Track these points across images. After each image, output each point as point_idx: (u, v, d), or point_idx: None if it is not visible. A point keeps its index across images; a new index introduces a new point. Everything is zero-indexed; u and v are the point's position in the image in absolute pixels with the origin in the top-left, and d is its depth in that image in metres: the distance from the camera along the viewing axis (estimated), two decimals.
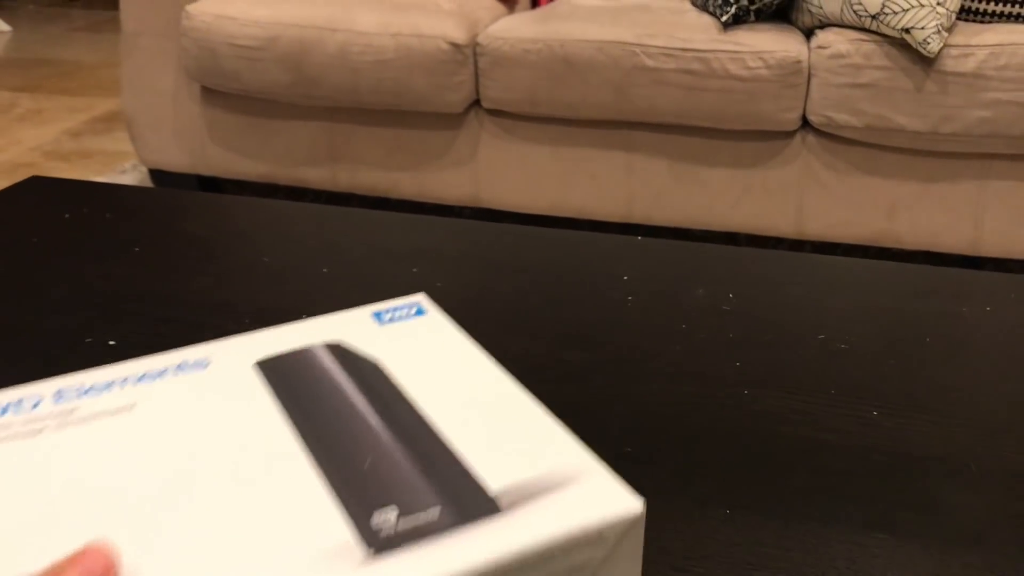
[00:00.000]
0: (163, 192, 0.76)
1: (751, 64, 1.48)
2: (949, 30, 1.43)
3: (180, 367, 0.33)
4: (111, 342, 0.53)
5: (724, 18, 1.55)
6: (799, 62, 1.49)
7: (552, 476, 0.31)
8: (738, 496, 0.42)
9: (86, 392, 0.32)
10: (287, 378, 0.34)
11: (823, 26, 1.56)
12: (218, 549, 0.28)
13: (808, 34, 1.60)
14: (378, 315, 0.37)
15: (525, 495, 0.30)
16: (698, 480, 0.43)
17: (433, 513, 0.29)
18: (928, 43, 1.39)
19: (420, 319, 0.37)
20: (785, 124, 1.54)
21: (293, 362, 0.34)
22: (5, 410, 0.31)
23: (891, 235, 1.59)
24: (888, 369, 0.52)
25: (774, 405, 0.48)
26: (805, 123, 1.57)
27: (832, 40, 1.49)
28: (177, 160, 1.91)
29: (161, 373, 0.33)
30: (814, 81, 1.51)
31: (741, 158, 1.59)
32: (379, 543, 0.29)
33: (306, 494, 0.30)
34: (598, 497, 0.29)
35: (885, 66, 1.46)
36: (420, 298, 0.38)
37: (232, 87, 1.74)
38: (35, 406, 0.31)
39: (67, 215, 0.70)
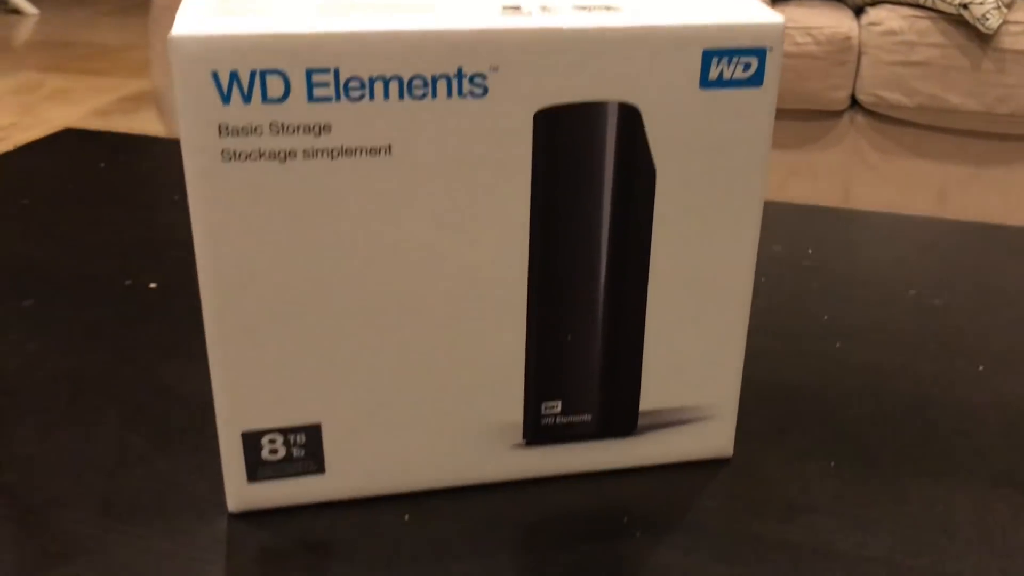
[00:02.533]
0: None
1: (799, 40, 1.43)
2: (1009, 6, 1.38)
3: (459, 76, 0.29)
4: (152, 284, 0.50)
5: None
6: (849, 39, 1.44)
7: (693, 411, 0.36)
8: (841, 449, 0.38)
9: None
10: (556, 149, 0.30)
11: (875, 3, 1.51)
12: (404, 387, 0.33)
13: (858, 11, 1.55)
14: (706, 65, 0.30)
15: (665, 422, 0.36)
16: (796, 432, 0.39)
17: (586, 418, 0.35)
18: (987, 19, 1.34)
19: (753, 92, 0.31)
20: (834, 103, 1.49)
21: (572, 123, 0.30)
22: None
23: None
24: (988, 325, 0.48)
25: (870, 359, 0.44)
26: (854, 102, 1.52)
27: (884, 16, 1.44)
28: None
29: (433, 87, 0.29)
30: (864, 59, 1.47)
31: (787, 138, 1.54)
32: (536, 435, 0.35)
33: (502, 357, 0.33)
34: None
35: (940, 43, 1.41)
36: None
37: None
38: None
39: (102, 164, 0.67)
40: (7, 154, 0.68)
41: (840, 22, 1.45)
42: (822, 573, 0.32)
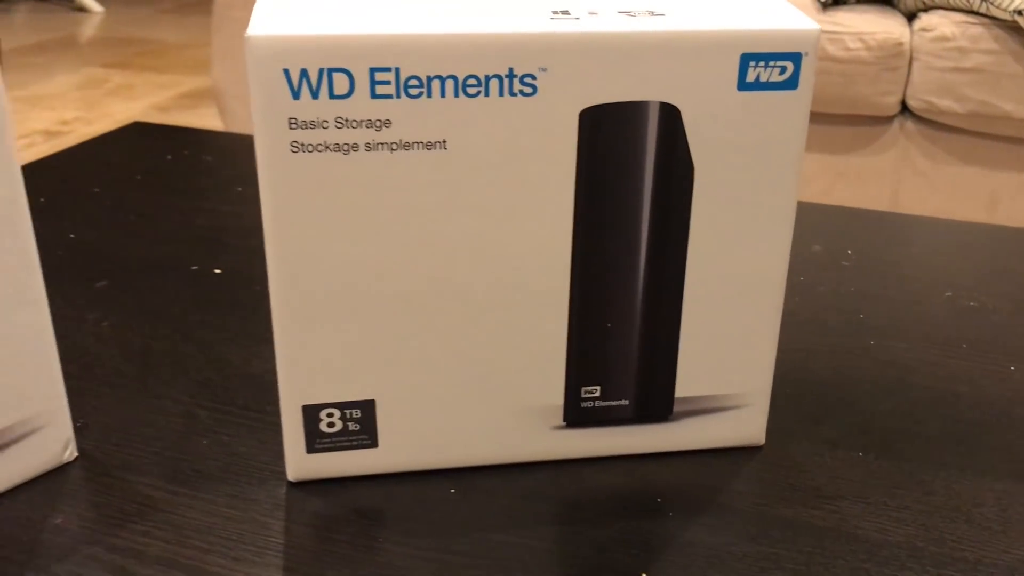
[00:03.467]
0: None
1: (851, 46, 1.43)
2: None
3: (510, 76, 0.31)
4: (216, 270, 0.52)
5: None
6: (901, 44, 1.44)
7: (727, 400, 0.38)
8: (870, 440, 0.39)
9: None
10: (600, 146, 0.32)
11: (927, 8, 1.51)
12: (453, 368, 0.35)
13: (910, 17, 1.55)
14: (744, 69, 0.32)
15: (699, 409, 0.38)
16: (827, 424, 0.40)
17: (624, 403, 0.37)
18: None
19: (789, 95, 0.32)
20: (883, 109, 1.49)
21: (615, 121, 0.32)
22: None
23: None
24: (1022, 328, 0.49)
25: (903, 356, 0.46)
26: (904, 108, 1.52)
27: (936, 23, 1.44)
28: None
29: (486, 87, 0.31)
30: (916, 65, 1.46)
31: (836, 143, 1.54)
32: (576, 417, 0.37)
33: (545, 343, 0.35)
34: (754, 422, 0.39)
35: (992, 50, 1.40)
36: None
37: None
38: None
39: (169, 156, 0.70)
40: (80, 145, 0.72)
41: (892, 28, 1.45)
42: (846, 555, 0.33)
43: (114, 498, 0.35)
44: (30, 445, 0.35)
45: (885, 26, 1.47)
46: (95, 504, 0.35)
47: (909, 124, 1.53)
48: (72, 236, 0.56)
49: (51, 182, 0.65)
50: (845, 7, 1.53)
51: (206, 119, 2.50)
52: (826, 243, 0.58)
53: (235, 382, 0.42)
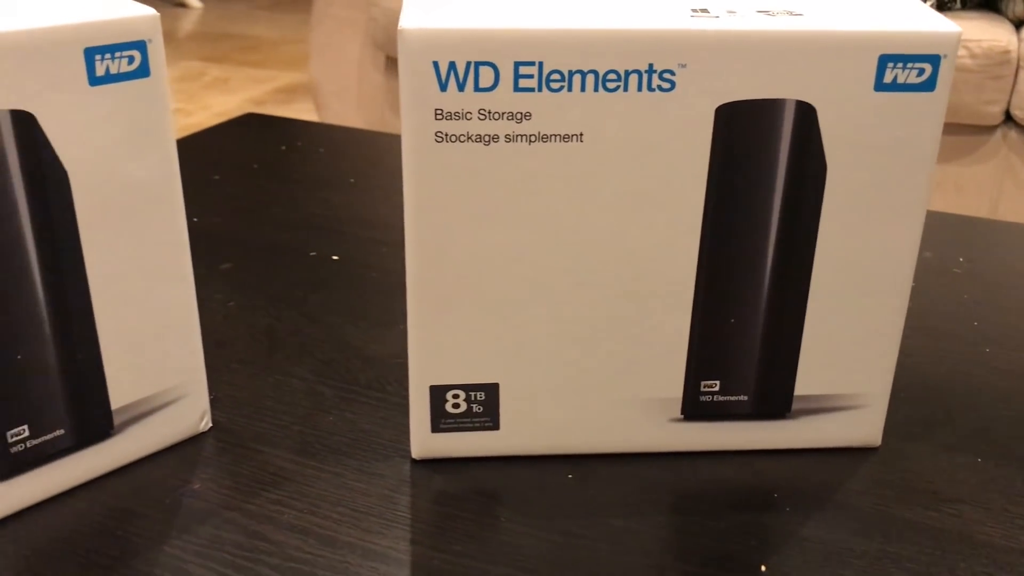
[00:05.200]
0: (373, 134, 0.78)
1: None
2: None
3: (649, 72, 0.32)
4: (334, 257, 0.54)
5: (928, 3, 1.48)
6: (1007, 52, 1.40)
7: (845, 399, 0.38)
8: (987, 447, 0.39)
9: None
10: (734, 142, 0.33)
11: None
12: (576, 357, 0.36)
13: (1019, 25, 1.50)
14: (882, 70, 0.32)
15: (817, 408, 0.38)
16: (943, 428, 0.40)
17: (742, 398, 0.37)
18: None
19: (926, 97, 0.33)
20: (986, 118, 1.45)
21: (751, 118, 0.32)
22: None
23: None
24: None
25: (1019, 364, 0.45)
26: (1008, 118, 1.48)
27: None
28: (358, 127, 1.96)
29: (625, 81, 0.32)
30: (1022, 74, 1.42)
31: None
32: (694, 411, 0.37)
33: (668, 335, 0.36)
34: None
35: None
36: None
37: None
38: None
39: (283, 147, 0.73)
40: (197, 134, 0.75)
41: (999, 35, 1.41)
42: (968, 558, 0.33)
43: (247, 467, 0.37)
44: (171, 414, 0.37)
45: (992, 34, 1.43)
46: (230, 472, 0.37)
47: (1012, 134, 1.49)
48: (195, 220, 0.59)
49: None
50: (950, 12, 1.50)
51: (301, 113, 2.56)
52: (936, 249, 0.57)
53: (356, 363, 0.44)
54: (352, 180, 0.66)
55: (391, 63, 1.88)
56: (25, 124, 0.30)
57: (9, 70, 0.29)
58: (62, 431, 0.34)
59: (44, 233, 0.32)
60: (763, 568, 0.33)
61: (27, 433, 0.33)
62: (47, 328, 0.33)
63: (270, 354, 0.44)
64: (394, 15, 1.75)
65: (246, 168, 0.68)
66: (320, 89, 1.97)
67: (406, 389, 0.42)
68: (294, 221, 0.59)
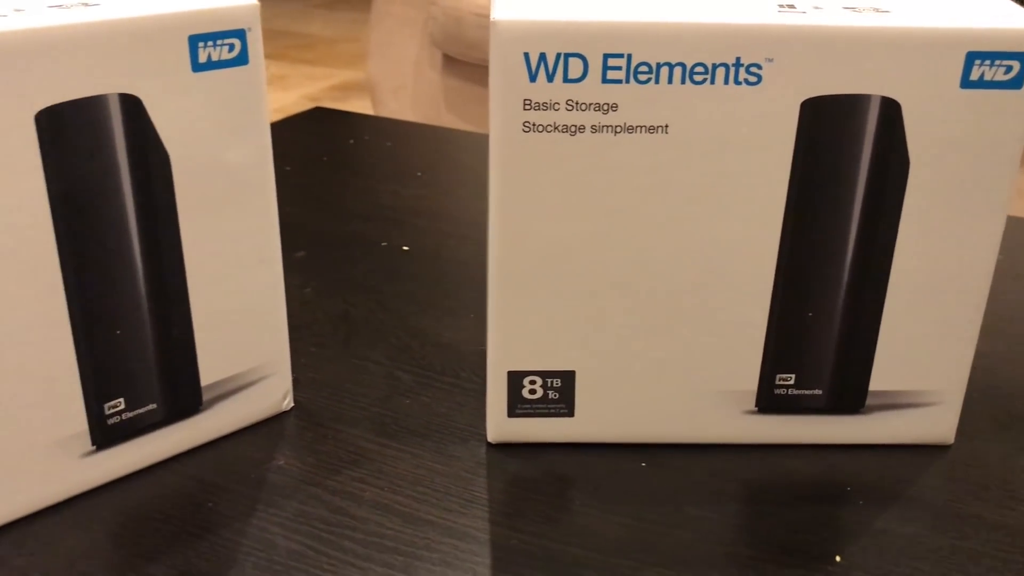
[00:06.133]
0: (438, 129, 0.79)
1: None
2: None
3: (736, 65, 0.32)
4: (404, 247, 0.55)
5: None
6: None
7: (920, 396, 0.38)
8: None
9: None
10: (818, 136, 0.33)
11: None
12: (652, 346, 0.36)
13: None
14: (968, 67, 0.32)
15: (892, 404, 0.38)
16: (1018, 428, 0.40)
17: (817, 392, 0.38)
18: None
19: (1012, 94, 0.33)
20: None
21: (836, 113, 0.33)
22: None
23: None
24: None
25: None
26: None
27: None
28: None
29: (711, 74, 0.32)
30: None
31: None
32: (768, 403, 0.38)
33: (745, 327, 0.36)
34: None
35: None
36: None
37: (473, 56, 1.79)
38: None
39: (351, 141, 0.74)
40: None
41: None
42: None
43: (328, 446, 0.38)
44: (256, 392, 0.38)
45: None
46: (312, 450, 0.38)
47: None
48: None
49: None
50: None
51: (357, 110, 2.58)
52: (1008, 253, 0.57)
53: (430, 349, 0.45)
54: (419, 173, 0.67)
55: (448, 61, 1.89)
56: (132, 107, 0.32)
57: (118, 55, 0.31)
58: (154, 405, 0.36)
59: (146, 214, 0.33)
60: (838, 558, 0.33)
61: (123, 406, 0.35)
62: (145, 306, 0.34)
63: (346, 339, 0.46)
64: (453, 14, 1.77)
65: (316, 160, 0.69)
66: (377, 86, 1.99)
67: (479, 376, 0.43)
68: (364, 212, 0.60)
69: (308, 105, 2.64)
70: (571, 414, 0.38)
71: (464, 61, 1.88)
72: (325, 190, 0.64)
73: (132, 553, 0.33)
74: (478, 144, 0.74)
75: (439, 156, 0.72)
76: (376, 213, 0.60)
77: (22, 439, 0.33)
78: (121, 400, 0.35)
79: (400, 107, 2.01)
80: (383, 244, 0.56)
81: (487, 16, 2.04)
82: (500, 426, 0.38)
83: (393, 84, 1.96)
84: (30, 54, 0.29)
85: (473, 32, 1.76)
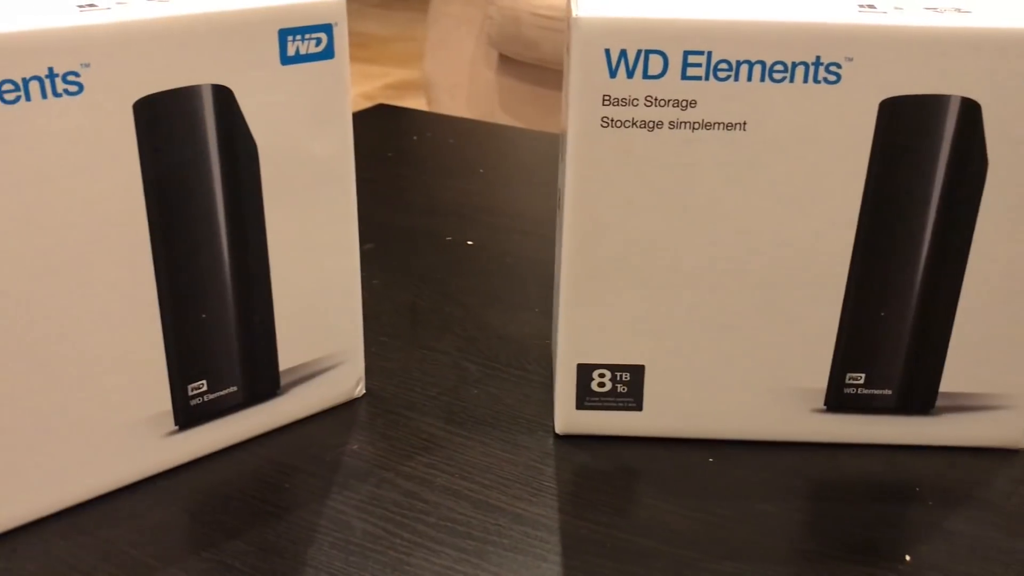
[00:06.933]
0: (499, 127, 0.80)
1: None
2: None
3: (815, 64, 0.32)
4: (469, 242, 0.56)
5: None
6: None
7: (990, 399, 0.38)
8: None
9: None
10: (897, 135, 0.33)
11: None
12: (723, 342, 0.37)
13: None
14: None
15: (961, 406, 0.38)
16: None
17: (887, 392, 0.38)
18: None
19: None
20: None
21: (915, 112, 0.33)
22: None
23: None
24: None
25: None
26: None
27: None
28: None
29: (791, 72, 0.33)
30: None
31: None
32: (837, 402, 0.38)
33: (816, 325, 0.36)
34: None
35: None
36: None
37: (530, 56, 1.79)
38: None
39: (415, 137, 0.75)
40: None
41: None
42: None
43: (401, 432, 0.39)
44: (331, 378, 0.39)
45: None
46: (385, 436, 0.39)
47: None
48: None
49: None
50: None
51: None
52: None
53: (496, 342, 0.45)
54: (481, 170, 0.68)
55: (503, 61, 1.90)
56: (224, 98, 0.33)
57: (211, 48, 0.32)
58: (235, 388, 0.37)
59: (233, 202, 0.34)
60: (908, 558, 0.33)
61: (205, 388, 0.36)
62: (230, 291, 0.35)
63: (414, 329, 0.46)
64: (511, 14, 1.78)
65: (381, 156, 0.70)
66: (433, 85, 2.01)
67: (545, 368, 0.43)
68: (429, 207, 0.61)
69: (364, 103, 2.67)
70: (639, 408, 0.38)
71: (520, 61, 1.89)
72: (390, 185, 0.65)
73: (212, 529, 0.34)
74: (538, 142, 0.75)
75: (500, 154, 0.72)
76: (440, 208, 0.61)
77: (110, 417, 0.34)
78: (204, 382, 0.36)
79: (455, 105, 2.02)
80: (448, 238, 0.56)
81: (545, 16, 2.05)
82: (568, 418, 0.38)
83: (449, 83, 1.97)
84: (130, 46, 0.30)
85: (530, 32, 1.77)
